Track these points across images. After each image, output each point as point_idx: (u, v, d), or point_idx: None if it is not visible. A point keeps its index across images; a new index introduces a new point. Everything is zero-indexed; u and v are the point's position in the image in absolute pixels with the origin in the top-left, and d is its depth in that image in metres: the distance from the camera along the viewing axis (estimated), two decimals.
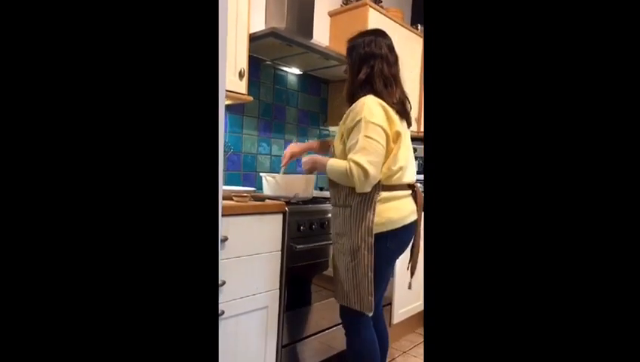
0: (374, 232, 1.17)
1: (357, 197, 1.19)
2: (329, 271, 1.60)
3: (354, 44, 1.28)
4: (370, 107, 1.15)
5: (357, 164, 1.11)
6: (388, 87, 1.22)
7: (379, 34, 1.29)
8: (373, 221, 1.16)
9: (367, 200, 1.18)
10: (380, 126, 1.13)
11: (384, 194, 1.19)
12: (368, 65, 1.22)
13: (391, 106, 1.19)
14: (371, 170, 1.10)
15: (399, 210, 1.21)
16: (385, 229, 1.18)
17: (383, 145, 1.13)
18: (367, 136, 1.12)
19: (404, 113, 1.25)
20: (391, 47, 1.28)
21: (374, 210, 1.17)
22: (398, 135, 1.19)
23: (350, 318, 1.26)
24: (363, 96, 1.19)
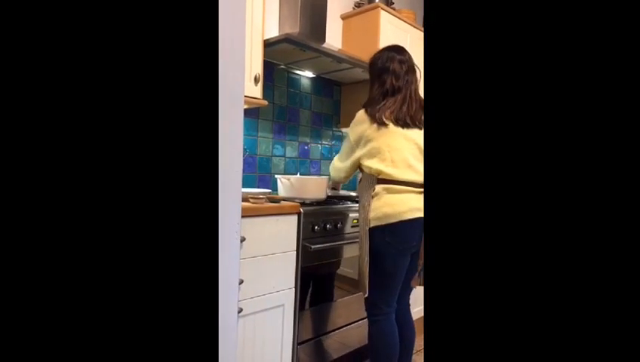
0: (372, 225, 1.31)
1: (362, 192, 1.39)
2: (343, 271, 1.64)
3: (371, 61, 1.45)
4: (355, 121, 1.40)
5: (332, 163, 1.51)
6: (393, 97, 1.36)
7: (393, 49, 1.42)
8: (369, 212, 1.33)
9: (366, 195, 1.36)
10: (351, 138, 1.39)
11: (378, 188, 1.32)
12: (380, 81, 1.39)
13: (383, 115, 1.33)
14: (331, 171, 1.52)
15: (396, 205, 1.29)
16: (381, 223, 1.30)
17: (347, 153, 1.43)
18: (344, 145, 1.46)
19: (407, 120, 1.34)
20: (402, 61, 1.39)
21: (370, 203, 1.33)
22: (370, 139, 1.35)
23: (369, 309, 1.38)
24: (363, 108, 1.40)
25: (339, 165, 1.48)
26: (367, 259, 1.33)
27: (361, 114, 1.38)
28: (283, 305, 1.41)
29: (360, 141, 1.36)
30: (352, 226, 1.62)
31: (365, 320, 1.54)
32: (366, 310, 1.40)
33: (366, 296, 1.35)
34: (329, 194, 1.71)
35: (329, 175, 1.56)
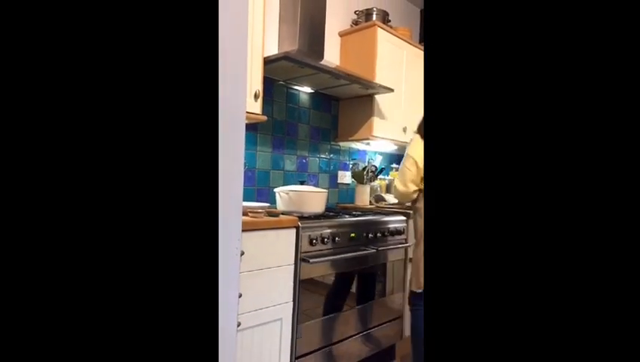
0: None
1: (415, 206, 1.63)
2: (341, 284, 1.65)
3: None
4: (414, 144, 1.56)
5: (394, 182, 1.64)
6: None
7: None
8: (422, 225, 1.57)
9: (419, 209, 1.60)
10: (413, 158, 1.53)
11: None
12: None
13: None
14: (399, 186, 1.58)
15: None
16: None
17: (411, 170, 1.54)
18: (403, 164, 1.59)
19: None
20: None
21: (422, 216, 1.57)
22: None
23: (415, 300, 1.56)
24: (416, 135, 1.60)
25: (403, 178, 1.60)
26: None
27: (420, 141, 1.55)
28: (281, 318, 1.41)
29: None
30: (350, 239, 1.63)
31: (363, 333, 1.54)
32: (410, 302, 1.60)
33: (421, 290, 1.51)
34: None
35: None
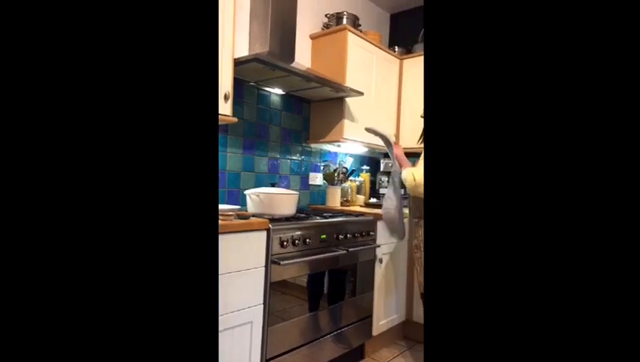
0: None
1: None
2: (312, 286, 1.66)
3: None
4: None
5: (412, 172, 1.58)
6: None
7: None
8: None
9: None
10: None
11: None
12: None
13: None
14: (417, 177, 1.56)
15: None
16: None
17: None
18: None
19: None
20: None
21: None
22: None
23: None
24: None
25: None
26: None
27: None
28: (251, 321, 1.41)
29: None
30: (321, 241, 1.65)
31: (334, 333, 1.55)
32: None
33: None
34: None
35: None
